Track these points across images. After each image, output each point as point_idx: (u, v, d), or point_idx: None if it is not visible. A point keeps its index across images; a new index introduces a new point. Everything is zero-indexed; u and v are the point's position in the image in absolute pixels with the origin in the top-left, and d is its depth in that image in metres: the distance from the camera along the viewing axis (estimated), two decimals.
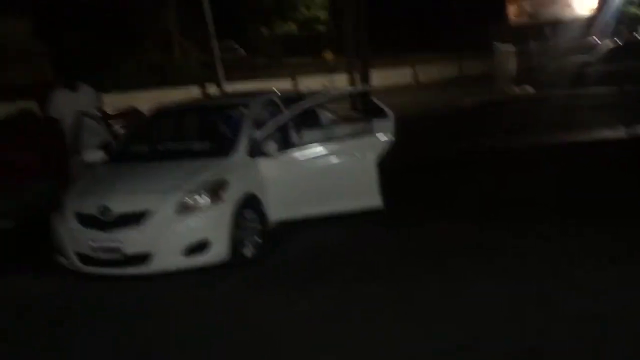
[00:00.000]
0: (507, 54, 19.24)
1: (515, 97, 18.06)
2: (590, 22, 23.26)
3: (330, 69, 30.65)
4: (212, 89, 26.25)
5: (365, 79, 23.02)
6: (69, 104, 7.20)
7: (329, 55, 36.06)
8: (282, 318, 4.05)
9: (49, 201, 6.69)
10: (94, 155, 5.96)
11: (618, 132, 9.91)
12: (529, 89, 18.51)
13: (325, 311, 4.10)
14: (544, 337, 3.44)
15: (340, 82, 25.76)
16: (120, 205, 4.88)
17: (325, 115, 7.21)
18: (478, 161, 8.71)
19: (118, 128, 7.71)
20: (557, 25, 23.91)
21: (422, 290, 4.28)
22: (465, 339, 3.49)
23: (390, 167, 6.19)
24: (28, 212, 6.62)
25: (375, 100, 6.49)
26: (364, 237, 5.66)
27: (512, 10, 25.33)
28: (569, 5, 24.60)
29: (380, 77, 25.57)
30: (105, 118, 7.37)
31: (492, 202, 6.43)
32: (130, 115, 8.81)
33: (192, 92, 27.92)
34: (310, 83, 26.08)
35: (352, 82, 23.03)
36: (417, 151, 8.80)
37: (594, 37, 20.98)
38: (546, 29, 24.68)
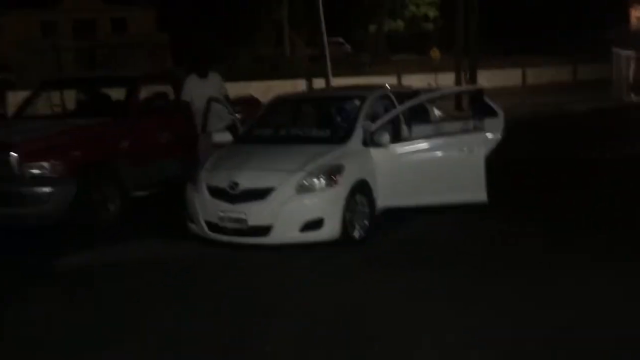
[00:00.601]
0: (627, 60, 18.41)
1: (631, 105, 17.30)
2: None
3: (435, 68, 30.52)
4: (320, 83, 27.00)
5: (473, 78, 22.81)
6: (199, 89, 7.94)
7: (435, 54, 35.75)
8: (381, 293, 4.46)
9: (179, 176, 7.53)
10: (223, 137, 6.60)
11: None
12: None
13: (419, 289, 4.46)
14: None
15: (445, 81, 25.64)
16: (247, 181, 5.44)
17: (435, 112, 7.50)
18: (580, 168, 8.64)
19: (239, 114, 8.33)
20: None
21: (511, 277, 4.56)
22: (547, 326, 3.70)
23: (495, 165, 6.40)
24: (162, 185, 7.40)
25: (487, 99, 6.68)
26: (464, 228, 5.94)
27: (634, 15, 24.02)
28: None
29: (488, 78, 25.19)
30: (230, 104, 8.04)
31: (583, 210, 6.47)
32: (249, 102, 9.44)
33: (299, 85, 28.90)
34: (415, 81, 26.17)
35: (458, 82, 22.90)
36: (518, 153, 8.86)
37: None
38: None
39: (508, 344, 3.57)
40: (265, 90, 18.15)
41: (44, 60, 33.80)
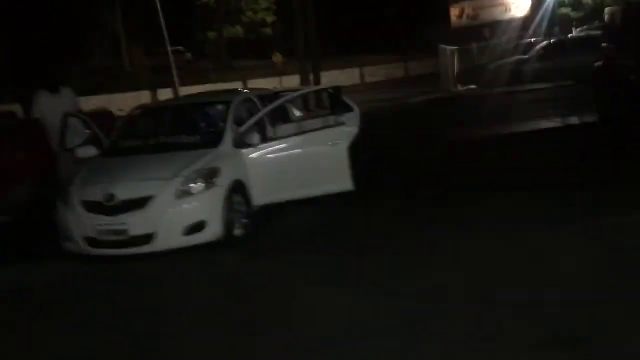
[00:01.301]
0: (451, 55, 20.37)
1: (460, 95, 19.19)
2: (526, 24, 24.75)
3: (279, 72, 31.32)
4: (165, 94, 26.47)
5: (317, 80, 23.82)
6: (51, 105, 7.65)
7: (277, 58, 36.63)
8: (271, 281, 4.77)
9: (37, 197, 7.19)
10: (87, 151, 6.44)
11: (553, 122, 11.00)
12: (472, 87, 19.69)
13: (303, 274, 4.83)
14: None
15: (289, 83, 26.45)
16: (124, 192, 5.42)
17: (294, 111, 7.92)
18: (433, 151, 9.62)
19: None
20: (495, 26, 25.30)
21: (375, 255, 5.10)
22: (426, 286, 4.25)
23: (355, 158, 6.95)
24: (20, 208, 7.01)
25: (342, 96, 7.21)
26: (334, 216, 6.42)
27: (453, 12, 26.61)
28: (506, 8, 26.07)
29: (328, 79, 26.39)
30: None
31: (442, 183, 7.29)
32: (103, 115, 9.22)
33: (144, 96, 28.06)
34: (261, 85, 26.65)
35: (303, 84, 23.77)
36: (377, 144, 9.60)
37: (530, 37, 22.43)
38: (485, 30, 26.06)
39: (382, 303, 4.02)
40: (108, 104, 17.43)
41: None
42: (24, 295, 5.08)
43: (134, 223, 5.34)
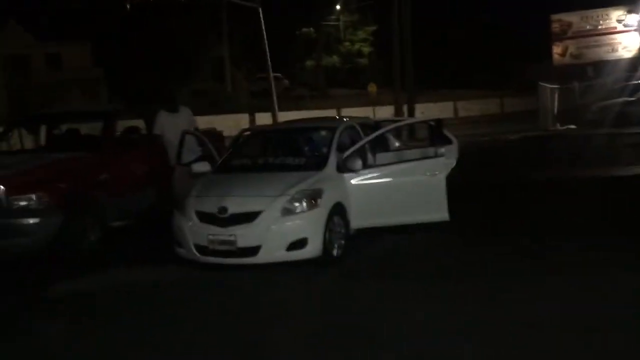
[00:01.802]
0: (551, 93, 19.99)
1: (558, 134, 18.76)
2: (632, 64, 23.86)
3: (373, 102, 31.80)
4: (263, 118, 27.56)
5: (411, 111, 24.02)
6: (171, 123, 8.35)
7: (372, 88, 37.14)
8: (360, 300, 5.03)
9: (154, 207, 7.84)
10: (202, 167, 7.00)
11: None
12: (572, 127, 19.20)
13: (395, 294, 5.08)
14: None
15: (382, 114, 26.78)
16: (236, 206, 5.87)
17: (393, 141, 8.19)
18: (526, 188, 9.55)
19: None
20: (601, 66, 24.54)
21: (473, 287, 5.18)
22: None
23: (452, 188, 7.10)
24: (138, 216, 7.68)
25: (443, 129, 7.40)
26: (427, 243, 6.58)
27: (556, 51, 26.06)
28: (612, 48, 25.26)
29: (422, 111, 26.50)
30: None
31: (533, 221, 7.26)
32: (214, 135, 9.85)
33: (243, 119, 29.31)
34: (354, 114, 27.17)
35: (397, 115, 24.04)
36: (471, 177, 9.69)
37: (636, 78, 21.60)
38: (589, 69, 25.33)
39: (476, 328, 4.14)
40: (209, 125, 18.42)
41: None
42: (136, 293, 5.57)
43: (243, 235, 5.76)
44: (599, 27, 25.42)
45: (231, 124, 22.48)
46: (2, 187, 6.20)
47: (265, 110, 30.57)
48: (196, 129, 8.61)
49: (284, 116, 23.07)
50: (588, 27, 25.55)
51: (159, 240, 6.88)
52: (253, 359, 4.07)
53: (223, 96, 34.42)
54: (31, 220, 6.25)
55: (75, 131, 8.37)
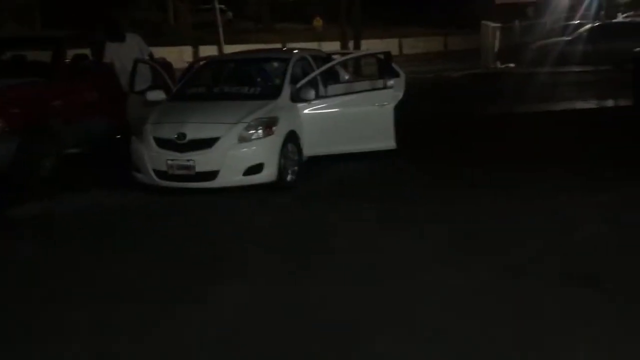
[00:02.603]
0: (492, 31, 20.47)
1: (498, 72, 19.39)
2: (572, 5, 24.60)
3: (319, 36, 31.66)
4: (207, 51, 27.03)
5: (356, 47, 24.15)
6: (120, 52, 8.32)
7: (318, 23, 36.79)
8: (312, 217, 5.47)
9: (107, 134, 7.92)
10: (157, 95, 7.11)
11: (589, 103, 11.35)
12: (511, 65, 19.85)
13: (349, 214, 5.52)
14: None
15: (328, 48, 26.69)
16: (194, 132, 6.08)
17: (343, 73, 8.48)
18: (468, 122, 10.11)
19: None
20: (542, 6, 25.18)
21: (417, 202, 5.71)
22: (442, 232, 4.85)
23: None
24: (92, 143, 7.75)
25: (391, 62, 7.72)
26: (374, 169, 7.04)
27: None
28: None
29: (367, 47, 26.63)
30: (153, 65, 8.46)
31: (470, 150, 7.84)
32: (164, 65, 9.82)
33: (186, 52, 28.65)
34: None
35: (343, 50, 24.10)
36: (416, 112, 10.13)
37: (575, 19, 22.36)
38: (529, 10, 25.94)
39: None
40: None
41: None
42: (98, 217, 5.79)
43: (201, 160, 6.01)
44: None
45: (175, 56, 22.01)
46: None
47: (208, 44, 29.96)
48: (150, 56, 8.61)
49: (229, 49, 22.77)
50: None
51: (114, 167, 7.04)
52: (214, 273, 4.34)
53: (165, 27, 33.39)
54: None
55: (23, 57, 8.23)
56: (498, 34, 20.76)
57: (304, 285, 4.04)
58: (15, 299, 4.02)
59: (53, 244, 5.06)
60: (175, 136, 6.09)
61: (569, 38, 18.45)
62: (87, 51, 8.67)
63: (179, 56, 24.72)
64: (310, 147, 6.87)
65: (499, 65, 20.21)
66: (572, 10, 23.07)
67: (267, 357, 3.19)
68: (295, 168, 6.56)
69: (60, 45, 7.64)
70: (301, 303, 3.76)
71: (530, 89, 13.44)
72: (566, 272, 4.03)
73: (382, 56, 7.74)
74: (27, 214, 5.90)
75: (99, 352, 3.29)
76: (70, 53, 8.44)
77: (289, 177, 6.44)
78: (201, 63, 7.82)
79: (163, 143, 6.16)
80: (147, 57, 8.36)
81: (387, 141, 7.15)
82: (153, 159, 6.17)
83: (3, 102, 6.53)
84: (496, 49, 20.48)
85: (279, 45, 30.11)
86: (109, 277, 4.30)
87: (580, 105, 11.30)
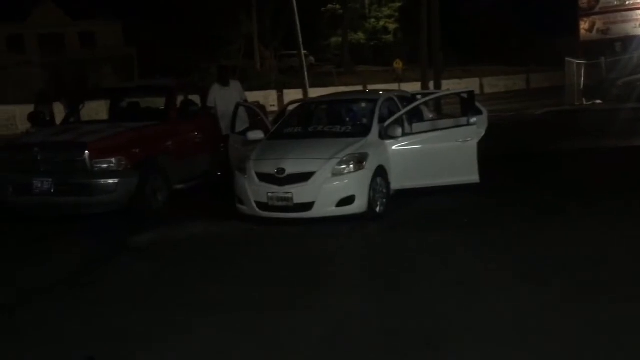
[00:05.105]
0: (577, 68, 20.34)
1: (583, 109, 19.18)
2: None
3: (399, 78, 32.29)
4: (291, 95, 28.28)
5: (437, 88, 24.51)
6: (223, 96, 9.20)
7: (398, 65, 37.49)
8: (402, 244, 5.90)
9: (209, 171, 8.73)
10: (257, 135, 7.83)
11: None
12: (597, 102, 19.59)
13: (434, 242, 5.88)
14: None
15: (407, 90, 27.26)
16: (292, 167, 6.71)
17: (427, 112, 8.95)
18: (554, 156, 10.25)
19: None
20: (628, 41, 24.71)
21: (504, 230, 6.05)
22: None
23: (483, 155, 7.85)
24: (197, 179, 8.57)
25: (474, 100, 8.11)
26: (460, 201, 7.36)
27: (583, 26, 26.26)
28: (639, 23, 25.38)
29: (449, 88, 26.95)
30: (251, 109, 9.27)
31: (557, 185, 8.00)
32: (259, 107, 10.66)
33: (271, 95, 30.03)
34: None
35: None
36: (499, 148, 10.39)
37: None
38: (617, 45, 25.48)
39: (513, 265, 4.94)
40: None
41: (10, 75, 34.13)
42: (208, 243, 6.47)
43: (298, 193, 6.60)
44: (627, 2, 25.53)
45: (261, 100, 23.26)
46: (87, 151, 7.11)
47: (291, 87, 31.30)
48: (245, 101, 9.45)
49: (313, 92, 23.76)
50: (616, 2, 25.66)
51: (217, 200, 7.76)
52: (310, 294, 4.83)
53: (252, 73, 35.19)
54: (111, 181, 7.16)
55: (137, 104, 9.26)
56: (583, 70, 20.60)
57: (390, 296, 4.46)
58: (154, 306, 4.68)
59: (168, 267, 5.74)
60: (275, 171, 6.73)
61: None
62: (194, 97, 9.61)
63: (265, 100, 26.06)
64: (398, 181, 7.33)
65: (584, 102, 20.00)
66: None
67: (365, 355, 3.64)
68: (384, 200, 7.03)
69: (172, 93, 8.57)
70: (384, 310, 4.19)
71: (616, 126, 13.33)
72: None
73: (465, 95, 8.15)
74: (147, 242, 6.66)
75: (219, 351, 3.85)
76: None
77: (378, 209, 6.90)
78: (295, 105, 8.52)
79: (264, 177, 6.81)
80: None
81: (470, 175, 7.50)
82: (255, 192, 6.83)
83: (125, 142, 7.44)
84: (581, 86, 20.31)
85: (360, 87, 31.11)
86: (222, 289, 4.90)
87: None
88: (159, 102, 9.02)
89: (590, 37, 26.03)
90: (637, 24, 25.28)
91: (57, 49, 38.85)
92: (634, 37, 24.85)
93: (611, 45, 25.34)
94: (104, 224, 7.34)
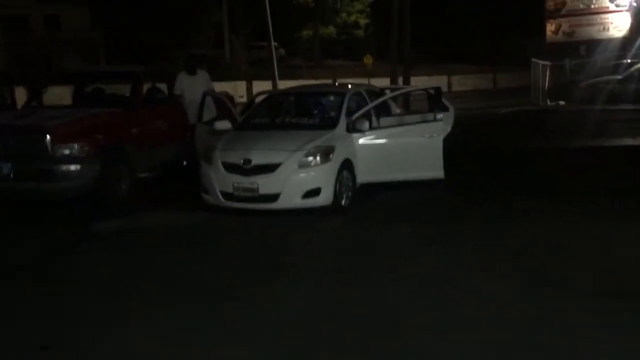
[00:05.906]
0: (542, 69, 20.73)
1: (548, 109, 19.56)
2: (623, 44, 24.59)
3: (369, 73, 32.41)
4: (261, 86, 28.10)
5: (406, 83, 24.69)
6: (190, 85, 9.09)
7: (368, 60, 37.59)
8: (370, 241, 5.90)
9: (175, 160, 8.64)
10: (224, 125, 7.77)
11: (637, 141, 11.50)
12: (561, 103, 19.99)
13: (398, 235, 5.96)
14: None
15: (377, 85, 27.32)
16: (258, 158, 6.69)
17: (394, 107, 9.02)
18: (515, 155, 10.46)
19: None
20: (593, 44, 25.26)
21: (467, 225, 6.15)
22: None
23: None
24: (162, 168, 8.47)
25: (441, 97, 8.20)
26: (426, 196, 7.48)
27: (549, 28, 26.75)
28: (604, 27, 25.97)
29: (416, 84, 27.14)
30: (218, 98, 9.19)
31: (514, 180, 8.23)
32: (227, 98, 10.57)
33: (240, 87, 29.80)
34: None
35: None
36: (464, 144, 10.54)
37: (626, 58, 22.36)
38: (582, 47, 26.02)
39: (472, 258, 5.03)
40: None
41: None
42: (172, 232, 6.42)
43: (264, 184, 6.59)
44: (592, 6, 26.08)
45: (230, 90, 23.03)
46: (48, 136, 6.95)
47: (261, 79, 31.09)
48: (212, 90, 9.36)
49: (283, 84, 23.63)
50: (581, 5, 26.19)
51: (183, 189, 7.69)
52: (271, 283, 4.85)
53: (221, 62, 34.83)
54: (73, 167, 7.00)
55: (102, 89, 9.08)
56: (548, 72, 20.99)
57: (348, 287, 4.54)
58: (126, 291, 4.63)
59: (135, 252, 5.68)
60: (242, 161, 6.70)
61: (620, 77, 18.52)
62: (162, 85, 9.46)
63: (234, 91, 25.81)
64: (364, 175, 7.37)
65: (548, 102, 20.39)
66: (623, 50, 23.08)
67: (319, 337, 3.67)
68: (350, 193, 7.07)
69: (139, 79, 8.43)
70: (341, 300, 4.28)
71: (578, 126, 13.63)
72: None
73: (432, 91, 8.23)
74: (111, 229, 6.56)
75: (178, 336, 3.83)
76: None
77: (343, 202, 6.94)
78: (263, 96, 8.48)
79: (230, 167, 6.77)
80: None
81: (436, 171, 7.59)
82: (221, 181, 6.79)
83: (87, 127, 7.30)
84: (546, 87, 20.70)
85: (330, 81, 31.10)
86: (184, 277, 4.88)
87: (630, 142, 11.45)
88: (125, 89, 8.88)
89: (556, 39, 26.52)
90: (602, 27, 25.87)
91: (20, 32, 37.84)
92: (599, 40, 25.42)
93: (576, 48, 25.87)
94: (66, 211, 7.21)
